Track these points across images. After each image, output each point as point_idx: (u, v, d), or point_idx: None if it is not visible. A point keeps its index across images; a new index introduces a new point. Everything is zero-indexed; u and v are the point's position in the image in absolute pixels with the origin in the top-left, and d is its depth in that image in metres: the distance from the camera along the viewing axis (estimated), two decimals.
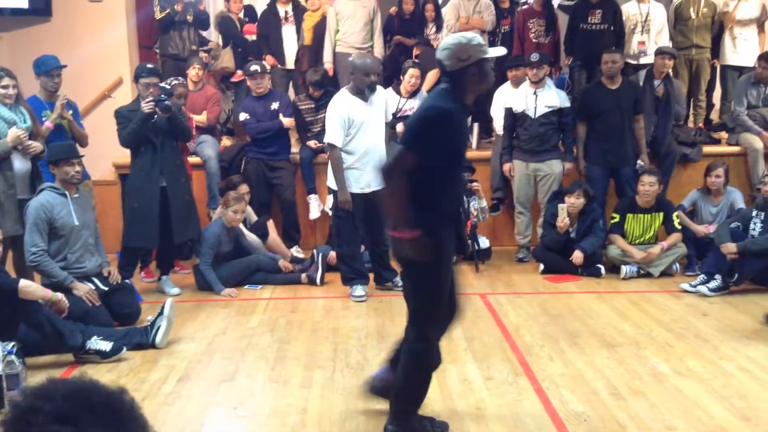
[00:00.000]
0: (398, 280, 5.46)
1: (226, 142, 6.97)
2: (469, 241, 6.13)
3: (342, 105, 5.10)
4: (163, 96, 5.13)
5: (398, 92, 6.38)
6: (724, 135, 7.00)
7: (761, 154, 6.38)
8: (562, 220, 5.80)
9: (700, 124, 7.24)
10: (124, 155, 5.74)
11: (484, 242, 6.28)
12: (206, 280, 5.39)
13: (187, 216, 5.38)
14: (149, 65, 5.46)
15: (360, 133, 5.07)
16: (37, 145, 4.78)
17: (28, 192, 4.78)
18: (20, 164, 4.76)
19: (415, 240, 2.89)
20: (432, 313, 3.06)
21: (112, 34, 7.04)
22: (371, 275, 5.47)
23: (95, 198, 5.73)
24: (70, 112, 5.33)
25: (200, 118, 6.55)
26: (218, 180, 6.32)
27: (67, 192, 4.65)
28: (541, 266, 5.92)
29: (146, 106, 5.06)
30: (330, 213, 5.65)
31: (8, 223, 4.59)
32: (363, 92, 5.09)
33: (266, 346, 4.33)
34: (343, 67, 6.71)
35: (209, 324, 4.77)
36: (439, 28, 7.47)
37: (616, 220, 5.92)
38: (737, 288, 5.23)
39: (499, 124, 6.60)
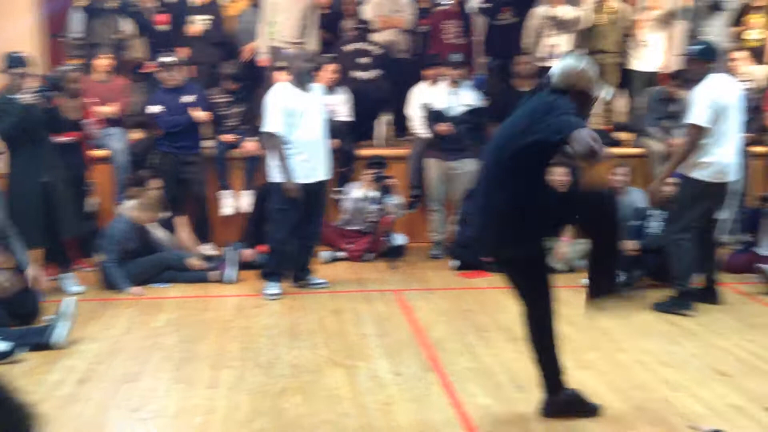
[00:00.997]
0: (312, 277, 5.45)
1: (136, 135, 6.76)
2: (385, 238, 6.20)
3: (283, 95, 5.10)
4: (46, 87, 4.90)
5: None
6: (626, 136, 7.30)
7: (660, 156, 6.68)
8: None
9: (608, 127, 7.52)
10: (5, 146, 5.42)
11: (399, 239, 6.34)
12: (111, 278, 5.22)
13: (76, 211, 5.16)
14: (19, 55, 5.19)
15: (302, 124, 5.07)
16: None
17: None
18: None
19: None
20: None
21: (20, 23, 6.72)
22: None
23: None
24: None
25: (108, 110, 6.33)
26: (127, 174, 6.12)
27: None
28: (455, 262, 6.02)
29: (30, 97, 4.82)
30: (238, 212, 5.60)
31: None
32: (303, 84, 5.08)
33: (172, 346, 4.24)
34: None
35: (113, 323, 4.62)
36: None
37: None
38: (637, 283, 5.44)
39: (416, 123, 6.67)
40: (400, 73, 7.15)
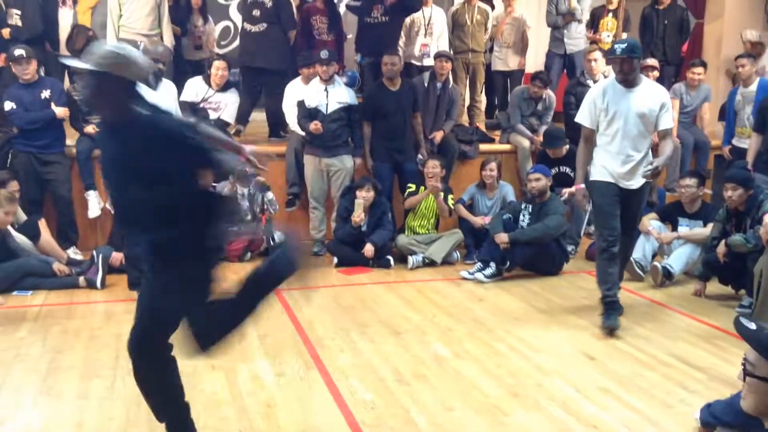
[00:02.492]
0: None
1: None
2: (264, 237, 6.10)
3: None
4: None
5: (207, 83, 6.28)
6: (497, 134, 7.60)
7: (529, 152, 7.00)
8: (359, 215, 5.95)
9: (478, 124, 7.80)
10: None
11: (279, 237, 6.25)
12: None
13: None
14: None
15: None
16: None
17: None
18: None
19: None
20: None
21: None
22: None
23: None
24: None
25: None
26: None
27: None
28: (335, 259, 6.03)
29: None
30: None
31: None
32: (151, 78, 4.84)
33: (37, 357, 3.97)
34: None
35: (8, 333, 4.27)
36: (205, 20, 7.34)
37: (412, 189, 6.24)
38: (509, 274, 5.69)
39: (291, 120, 6.61)
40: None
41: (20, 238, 5.34)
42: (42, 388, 3.59)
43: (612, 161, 4.51)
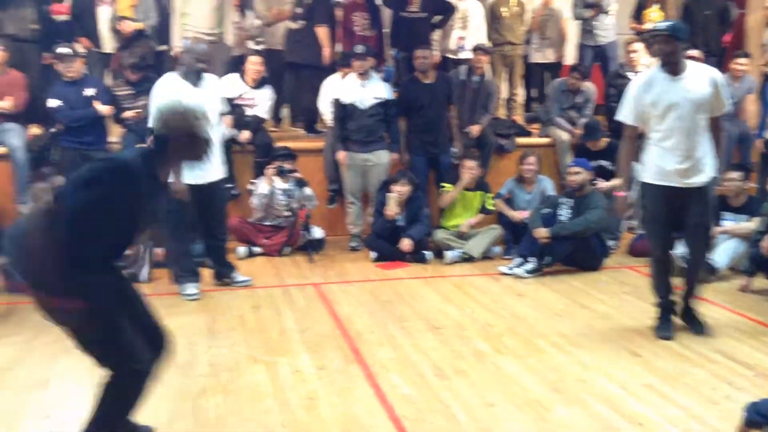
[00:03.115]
0: (235, 275, 5.34)
1: (35, 130, 6.42)
2: (302, 232, 6.15)
3: (168, 87, 4.87)
4: None
5: (243, 80, 6.36)
6: (536, 127, 7.53)
7: (568, 145, 6.93)
8: (391, 209, 5.96)
9: (515, 117, 7.74)
10: None
11: (317, 232, 6.31)
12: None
13: None
14: None
15: None
16: None
17: None
18: None
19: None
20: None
21: None
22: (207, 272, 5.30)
23: None
24: None
25: (3, 105, 5.99)
26: (27, 171, 5.81)
27: None
28: (373, 254, 6.05)
29: None
30: None
31: None
32: (192, 77, 4.90)
33: None
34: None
35: (20, 328, 4.38)
36: (243, 15, 7.41)
37: (448, 188, 6.21)
38: (549, 269, 5.64)
39: (328, 117, 6.65)
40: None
41: None
42: (90, 380, 3.65)
43: (669, 159, 4.05)
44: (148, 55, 6.51)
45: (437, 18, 7.32)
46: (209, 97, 4.96)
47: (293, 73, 7.31)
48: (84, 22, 6.86)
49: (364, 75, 6.21)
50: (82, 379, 3.67)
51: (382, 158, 6.30)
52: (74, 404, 3.39)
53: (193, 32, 6.66)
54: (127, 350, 2.74)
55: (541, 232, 5.58)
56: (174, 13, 6.76)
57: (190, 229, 5.13)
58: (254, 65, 6.31)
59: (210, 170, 4.91)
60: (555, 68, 7.95)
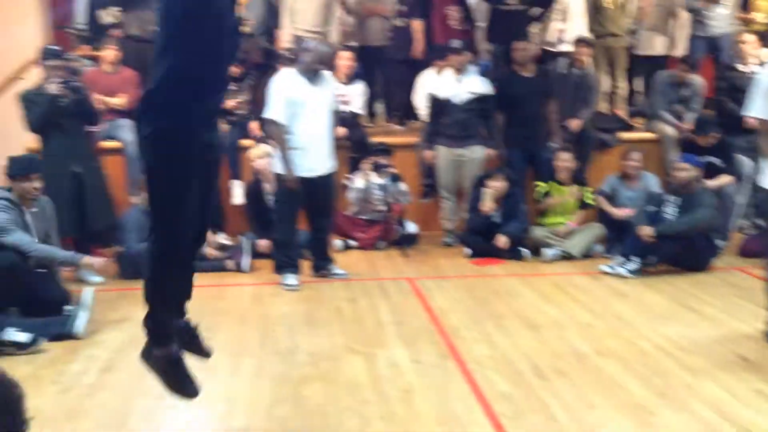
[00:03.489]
0: (333, 267, 5.46)
1: None
2: (397, 227, 6.20)
3: (286, 83, 5.03)
4: (71, 77, 4.96)
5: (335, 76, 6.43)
6: (639, 122, 7.27)
7: (674, 141, 6.66)
8: (487, 204, 5.91)
9: (618, 111, 7.50)
10: (37, 138, 5.50)
11: (412, 227, 6.34)
12: (130, 266, 5.22)
13: (103, 202, 5.21)
14: (55, 48, 5.27)
15: (304, 115, 5.00)
16: None
17: None
18: None
19: None
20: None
21: (26, 14, 6.69)
22: (305, 263, 5.42)
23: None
24: None
25: (117, 101, 6.32)
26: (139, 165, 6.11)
27: (23, 207, 4.44)
28: (468, 250, 6.02)
29: (55, 88, 4.88)
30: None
31: None
32: (309, 74, 5.03)
33: None
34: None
35: (132, 313, 4.59)
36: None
37: (544, 187, 6.13)
38: (654, 269, 5.45)
39: (423, 112, 6.66)
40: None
41: None
42: (197, 363, 3.80)
43: None
44: (252, 51, 6.71)
45: (537, 10, 7.18)
46: (324, 94, 5.09)
47: (388, 68, 7.36)
48: None
49: (460, 70, 6.18)
50: (192, 361, 3.83)
51: (476, 153, 6.25)
52: None
53: (300, 30, 6.82)
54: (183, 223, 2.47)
55: (646, 231, 5.38)
56: (282, 10, 6.91)
57: (295, 220, 5.26)
58: (345, 60, 6.37)
59: (321, 163, 5.04)
60: (663, 61, 7.63)
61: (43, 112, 4.93)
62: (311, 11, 6.85)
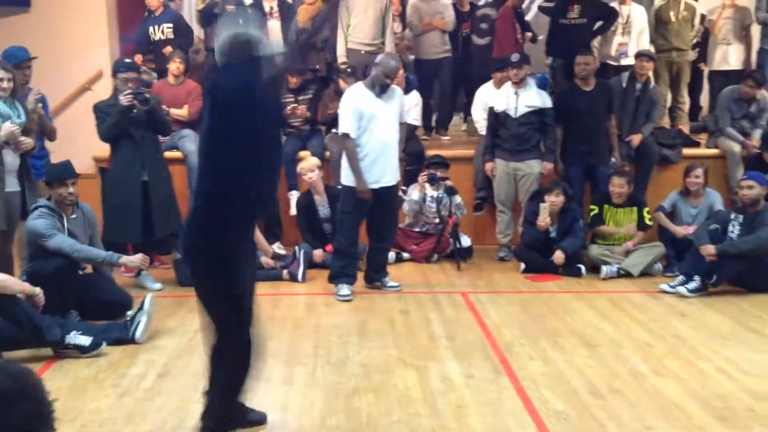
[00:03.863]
0: (387, 279, 5.47)
1: None
2: (451, 240, 6.17)
3: (355, 96, 5.14)
4: (141, 89, 5.12)
5: None
6: (703, 137, 7.09)
7: (739, 157, 6.46)
8: (543, 219, 5.84)
9: (680, 126, 7.33)
10: (104, 148, 5.71)
11: (465, 241, 6.30)
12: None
13: (168, 210, 5.35)
14: (127, 60, 5.48)
15: (371, 127, 5.08)
16: (29, 142, 4.77)
17: (17, 185, 4.74)
18: (11, 158, 4.69)
19: None
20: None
21: (92, 26, 6.96)
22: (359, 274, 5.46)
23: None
24: (41, 105, 5.29)
25: (181, 113, 6.50)
26: None
27: (63, 213, 4.59)
28: (522, 265, 5.95)
29: (125, 99, 5.05)
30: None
31: None
32: (377, 88, 5.10)
33: None
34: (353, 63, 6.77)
35: (190, 320, 4.71)
36: (404, 26, 7.53)
37: (596, 211, 6.01)
38: (715, 289, 5.28)
39: (480, 124, 6.63)
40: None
41: None
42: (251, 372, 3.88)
43: None
44: (319, 64, 6.83)
45: (598, 24, 7.10)
46: (392, 107, 5.15)
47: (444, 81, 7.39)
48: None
49: (519, 83, 6.14)
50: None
51: (533, 168, 6.19)
52: None
53: (356, 43, 6.90)
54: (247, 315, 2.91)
55: (708, 249, 5.23)
56: (340, 24, 7.02)
57: (358, 232, 5.30)
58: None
59: (388, 175, 5.10)
60: (732, 75, 7.41)
61: (114, 123, 5.12)
62: (367, 24, 6.94)
